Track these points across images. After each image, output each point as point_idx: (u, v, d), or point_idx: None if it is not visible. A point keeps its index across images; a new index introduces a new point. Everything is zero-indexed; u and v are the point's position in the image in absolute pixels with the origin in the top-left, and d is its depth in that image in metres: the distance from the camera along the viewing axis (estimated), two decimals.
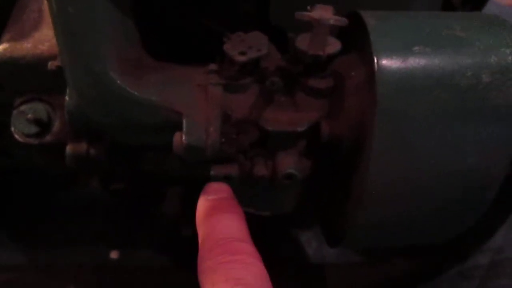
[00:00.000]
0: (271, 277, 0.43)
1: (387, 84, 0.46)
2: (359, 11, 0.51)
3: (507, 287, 0.80)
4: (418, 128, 0.47)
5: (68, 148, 0.58)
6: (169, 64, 0.57)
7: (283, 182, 0.52)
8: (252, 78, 0.53)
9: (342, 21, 0.46)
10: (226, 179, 0.52)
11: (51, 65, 0.56)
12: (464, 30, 0.49)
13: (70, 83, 0.53)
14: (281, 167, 0.52)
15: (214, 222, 0.48)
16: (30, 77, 0.60)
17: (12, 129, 0.60)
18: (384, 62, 0.46)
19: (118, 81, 0.52)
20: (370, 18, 0.49)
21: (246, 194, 0.54)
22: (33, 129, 0.60)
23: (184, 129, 0.51)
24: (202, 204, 0.50)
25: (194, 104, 0.52)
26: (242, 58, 0.51)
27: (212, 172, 0.52)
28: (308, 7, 0.47)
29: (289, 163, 0.52)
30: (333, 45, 0.51)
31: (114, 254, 0.90)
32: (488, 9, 0.76)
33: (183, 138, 0.51)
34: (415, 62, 0.46)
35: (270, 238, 0.50)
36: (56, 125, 0.61)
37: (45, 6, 0.63)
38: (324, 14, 0.46)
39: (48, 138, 0.61)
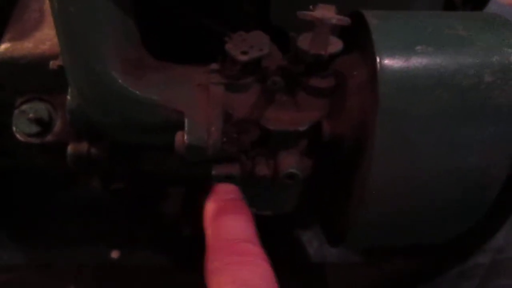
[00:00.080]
0: None
1: (389, 84, 0.46)
2: (361, 10, 0.51)
3: (507, 287, 0.80)
4: (420, 128, 0.47)
5: (69, 148, 0.59)
6: (170, 63, 0.57)
7: (285, 182, 0.52)
8: (254, 78, 0.53)
9: (345, 20, 0.46)
10: (227, 178, 0.52)
11: (53, 64, 0.56)
12: (466, 30, 0.49)
13: (71, 82, 0.54)
14: (283, 166, 0.52)
15: (222, 223, 0.48)
16: (31, 77, 0.60)
17: (14, 128, 0.60)
18: (386, 61, 0.46)
19: (119, 81, 0.52)
20: (372, 18, 0.49)
21: (248, 193, 0.54)
22: (34, 128, 0.60)
23: (185, 129, 0.51)
24: (210, 205, 0.51)
25: (196, 104, 0.52)
26: (244, 58, 0.51)
27: (213, 172, 0.52)
28: (310, 7, 0.47)
29: (290, 162, 0.52)
30: (335, 45, 0.51)
31: (114, 254, 0.89)
32: (489, 8, 0.76)
33: (185, 137, 0.51)
34: (417, 61, 0.46)
35: (271, 238, 0.49)
36: (57, 125, 0.61)
37: (46, 6, 0.63)
38: (326, 13, 0.46)
39: (49, 137, 0.61)
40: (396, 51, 0.47)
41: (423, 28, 0.49)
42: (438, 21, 0.50)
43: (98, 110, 0.54)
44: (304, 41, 0.50)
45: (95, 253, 0.90)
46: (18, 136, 0.60)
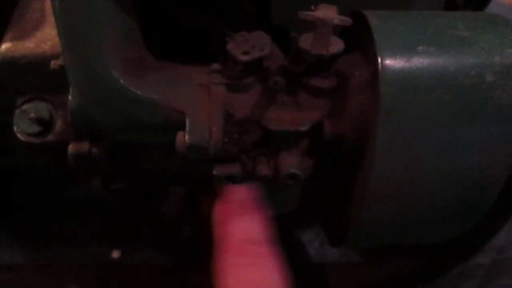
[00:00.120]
0: None
1: (391, 84, 0.46)
2: (363, 10, 0.51)
3: (508, 287, 0.80)
4: (421, 128, 0.47)
5: (70, 147, 0.59)
6: (172, 63, 0.57)
7: (286, 182, 0.52)
8: (255, 78, 0.53)
9: (346, 21, 0.46)
10: (228, 178, 0.52)
11: (54, 64, 0.56)
12: (468, 30, 0.49)
13: (72, 82, 0.54)
14: (284, 166, 0.52)
15: (231, 224, 0.48)
16: (32, 77, 0.60)
17: (15, 128, 0.60)
18: (388, 61, 0.46)
19: (121, 81, 0.52)
20: (374, 18, 0.49)
21: None
22: (35, 128, 0.60)
23: (187, 129, 0.51)
24: (222, 206, 0.51)
25: (197, 104, 0.52)
26: (245, 58, 0.51)
27: (214, 172, 0.52)
28: (312, 7, 0.47)
29: (291, 162, 0.52)
30: (336, 45, 0.51)
31: (115, 254, 0.89)
32: (490, 8, 0.76)
33: (186, 137, 0.51)
34: (418, 61, 0.46)
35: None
36: (58, 125, 0.61)
37: (47, 6, 0.63)
38: (328, 13, 0.46)
39: (50, 137, 0.61)
40: (397, 51, 0.47)
41: (424, 28, 0.49)
42: (440, 21, 0.50)
43: (98, 110, 0.54)
44: (305, 41, 0.50)
45: (95, 253, 0.90)
46: (19, 135, 0.60)
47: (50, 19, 0.62)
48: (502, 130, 0.47)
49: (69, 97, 0.56)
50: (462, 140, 0.48)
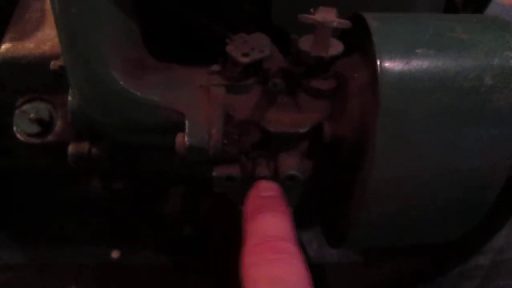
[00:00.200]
0: None
1: (390, 86, 0.46)
2: (362, 13, 0.51)
3: (508, 287, 0.80)
4: (421, 130, 0.47)
5: (70, 148, 0.59)
6: (171, 64, 0.57)
7: (285, 183, 0.52)
8: (255, 79, 0.53)
9: (346, 24, 0.46)
10: (228, 179, 0.52)
11: (54, 64, 0.57)
12: (467, 33, 0.49)
13: (72, 83, 0.54)
14: (283, 168, 0.52)
15: (263, 219, 0.48)
16: (32, 77, 0.60)
17: (14, 128, 0.60)
18: (387, 64, 0.46)
19: (120, 82, 0.52)
20: (373, 20, 0.49)
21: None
22: (35, 128, 0.61)
23: (186, 130, 0.51)
24: (252, 201, 0.51)
25: (197, 105, 0.52)
26: (245, 60, 0.51)
27: (214, 173, 0.52)
28: (311, 10, 0.47)
29: (291, 164, 0.52)
30: (336, 47, 0.51)
31: (115, 254, 0.90)
32: (491, 9, 0.76)
33: (186, 139, 0.51)
34: (417, 64, 0.46)
35: None
36: (58, 125, 0.61)
37: (48, 6, 0.63)
38: (327, 16, 0.46)
39: (50, 137, 0.61)
40: (396, 53, 0.47)
41: (423, 31, 0.49)
42: (439, 23, 0.50)
43: (98, 110, 0.54)
44: (305, 43, 0.50)
45: (95, 253, 0.90)
46: (18, 136, 0.60)
47: (50, 19, 0.62)
48: (501, 132, 0.47)
49: (69, 97, 0.56)
50: (461, 142, 0.48)
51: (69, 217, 0.93)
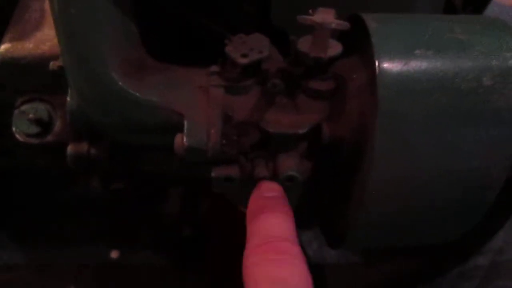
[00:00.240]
0: None
1: (388, 87, 0.46)
2: (361, 14, 0.51)
3: None
4: (419, 131, 0.47)
5: (69, 148, 0.59)
6: (171, 65, 0.57)
7: (284, 184, 0.52)
8: (254, 80, 0.53)
9: (344, 25, 0.46)
10: (226, 180, 0.52)
11: (53, 65, 0.57)
12: (466, 33, 0.49)
13: (71, 83, 0.54)
14: (282, 169, 0.52)
15: (265, 219, 0.48)
16: (32, 77, 0.61)
17: (13, 129, 0.60)
18: (386, 65, 0.46)
19: (119, 82, 0.52)
20: (372, 21, 0.49)
21: (247, 195, 0.54)
22: (34, 129, 0.61)
23: (185, 131, 0.51)
24: (255, 201, 0.51)
25: (195, 106, 0.52)
26: (244, 60, 0.51)
27: (212, 174, 0.52)
28: (310, 11, 0.47)
29: (290, 165, 0.52)
30: (335, 48, 0.51)
31: (114, 254, 0.90)
32: (491, 9, 0.76)
33: (184, 139, 0.51)
34: (416, 65, 0.46)
35: None
36: (57, 125, 0.61)
37: (47, 6, 0.63)
38: (326, 17, 0.46)
39: (49, 138, 0.61)
40: (395, 54, 0.47)
41: (422, 31, 0.49)
42: (438, 24, 0.50)
43: (97, 111, 0.54)
44: (304, 44, 0.50)
45: (95, 253, 0.90)
46: (18, 136, 0.60)
47: (50, 19, 0.62)
48: (500, 133, 0.47)
49: (68, 98, 0.56)
50: (460, 143, 0.48)
51: (68, 217, 0.94)
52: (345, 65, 0.53)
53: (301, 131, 0.52)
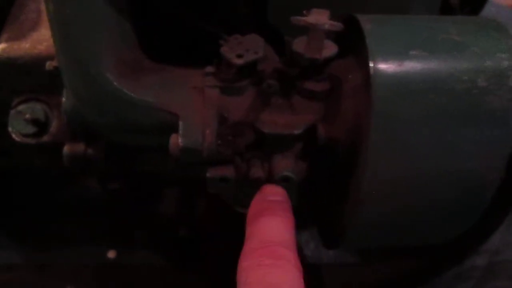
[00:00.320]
0: None
1: (383, 88, 0.46)
2: (356, 14, 0.51)
3: None
4: (414, 131, 0.47)
5: (65, 148, 0.59)
6: (166, 66, 0.57)
7: (280, 185, 0.52)
8: (249, 81, 0.53)
9: (337, 26, 0.46)
10: (221, 181, 0.52)
11: (49, 65, 0.57)
12: (461, 35, 0.49)
13: (66, 83, 0.54)
14: (278, 169, 0.52)
15: (264, 223, 0.48)
16: (28, 77, 0.61)
17: (10, 129, 0.60)
18: (380, 66, 0.46)
19: (115, 83, 0.52)
20: (366, 22, 0.49)
21: (243, 195, 0.54)
22: (31, 129, 0.61)
23: (180, 131, 0.51)
24: (257, 204, 0.51)
25: (191, 106, 0.52)
26: (239, 61, 0.51)
27: (208, 174, 0.52)
28: (304, 12, 0.47)
29: (285, 165, 0.52)
30: (330, 49, 0.51)
31: (111, 254, 0.90)
32: (488, 10, 0.76)
33: (179, 140, 0.51)
34: (411, 66, 0.46)
35: None
36: (54, 125, 0.61)
37: (44, 6, 0.63)
38: (319, 18, 0.46)
39: (45, 138, 0.61)
40: (390, 55, 0.47)
41: (417, 32, 0.49)
42: (433, 25, 0.50)
43: (93, 111, 0.55)
44: (299, 45, 0.50)
45: (93, 253, 0.90)
46: (14, 136, 0.60)
47: (46, 19, 0.62)
48: (494, 133, 0.47)
49: (63, 98, 0.56)
50: (455, 144, 0.48)
51: (68, 218, 0.94)
52: (341, 66, 0.53)
53: (296, 132, 0.52)
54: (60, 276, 0.88)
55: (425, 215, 0.53)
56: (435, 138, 0.47)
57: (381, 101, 0.46)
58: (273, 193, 0.51)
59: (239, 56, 0.51)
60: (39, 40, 0.61)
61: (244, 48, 0.52)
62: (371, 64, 0.46)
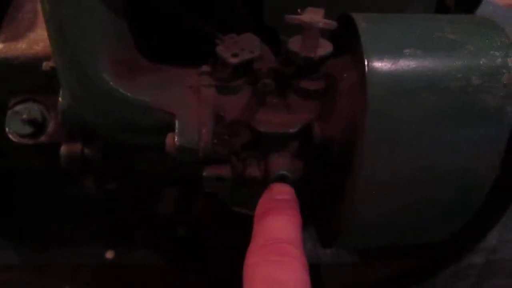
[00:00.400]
0: None
1: (378, 86, 0.46)
2: (351, 13, 0.51)
3: (501, 286, 0.80)
4: (409, 130, 0.47)
5: (62, 149, 0.59)
6: (162, 65, 0.57)
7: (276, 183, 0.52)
8: (245, 80, 0.53)
9: (332, 24, 0.46)
10: (218, 180, 0.53)
11: (46, 65, 0.57)
12: (455, 33, 0.49)
13: (63, 84, 0.54)
14: (273, 168, 0.52)
15: (271, 220, 0.48)
16: (25, 78, 0.61)
17: (7, 129, 0.60)
18: (375, 64, 0.46)
19: (111, 83, 0.52)
20: (362, 21, 0.49)
21: (240, 194, 0.54)
22: (28, 129, 0.61)
23: (176, 130, 0.51)
24: (265, 203, 0.50)
25: (187, 106, 0.52)
26: (234, 60, 0.51)
27: (204, 173, 0.52)
28: (299, 10, 0.47)
29: (281, 164, 0.52)
30: (325, 47, 0.51)
31: (109, 254, 0.90)
32: (485, 9, 0.76)
33: (176, 139, 0.51)
34: (405, 64, 0.46)
35: None
36: (51, 126, 0.62)
37: (40, 7, 0.63)
38: (314, 17, 0.46)
39: (42, 138, 0.61)
40: (385, 54, 0.47)
41: (412, 31, 0.49)
42: (428, 24, 0.50)
43: (89, 111, 0.55)
44: (294, 44, 0.51)
45: (91, 253, 0.90)
46: (11, 137, 0.60)
47: (43, 20, 0.62)
48: (488, 131, 0.47)
49: (59, 98, 0.56)
50: (449, 142, 0.48)
51: (67, 218, 0.94)
52: (336, 64, 0.53)
53: (292, 131, 0.52)
54: (59, 276, 0.89)
55: (420, 213, 0.53)
56: (430, 135, 0.47)
57: (376, 100, 0.46)
58: (281, 192, 0.51)
59: (235, 55, 0.52)
60: (36, 41, 0.61)
61: (239, 47, 0.52)
62: (366, 63, 0.46)
